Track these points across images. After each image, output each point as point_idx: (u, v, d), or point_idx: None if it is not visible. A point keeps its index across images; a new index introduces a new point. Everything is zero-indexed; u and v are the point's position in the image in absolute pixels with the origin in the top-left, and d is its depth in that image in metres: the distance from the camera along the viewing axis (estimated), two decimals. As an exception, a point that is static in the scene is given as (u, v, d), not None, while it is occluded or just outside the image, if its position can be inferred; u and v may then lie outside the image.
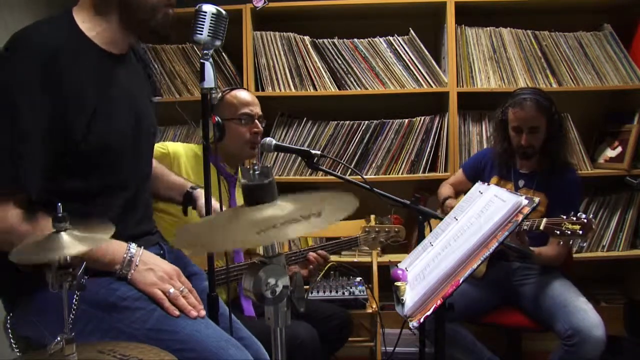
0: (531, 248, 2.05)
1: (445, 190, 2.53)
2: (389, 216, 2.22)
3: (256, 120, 1.99)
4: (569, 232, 1.81)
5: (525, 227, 1.97)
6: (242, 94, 1.99)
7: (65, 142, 1.16)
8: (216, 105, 1.90)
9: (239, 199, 2.04)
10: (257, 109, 2.00)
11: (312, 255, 2.01)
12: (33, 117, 1.12)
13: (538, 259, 2.09)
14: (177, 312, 1.21)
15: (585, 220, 1.80)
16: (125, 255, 1.23)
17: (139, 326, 1.19)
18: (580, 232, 1.78)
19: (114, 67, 1.28)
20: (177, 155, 1.90)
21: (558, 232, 1.84)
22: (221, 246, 0.90)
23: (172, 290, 1.23)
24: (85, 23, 1.24)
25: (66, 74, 1.15)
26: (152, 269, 1.24)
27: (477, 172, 2.42)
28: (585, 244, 1.85)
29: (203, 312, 1.25)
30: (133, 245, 1.25)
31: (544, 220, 1.88)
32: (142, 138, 1.36)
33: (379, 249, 2.22)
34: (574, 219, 1.83)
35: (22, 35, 1.16)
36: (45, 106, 1.12)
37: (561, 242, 1.93)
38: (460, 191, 2.55)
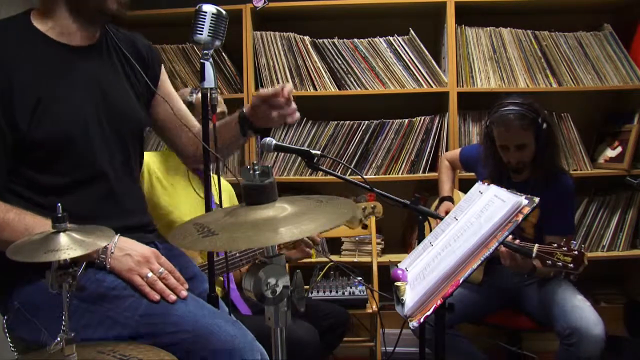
0: (534, 263, 2.01)
1: (445, 180, 2.50)
2: (363, 195, 2.24)
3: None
4: (561, 264, 1.77)
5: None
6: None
7: (13, 133, 1.18)
8: (192, 106, 1.92)
9: (216, 199, 2.05)
10: (224, 108, 2.08)
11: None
12: None
13: (541, 272, 2.04)
14: (157, 297, 1.20)
15: (577, 253, 1.74)
16: None
17: (131, 314, 1.18)
18: (571, 265, 1.75)
19: (72, 59, 1.28)
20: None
21: (549, 263, 1.79)
22: (224, 247, 0.90)
23: (149, 274, 1.22)
24: (40, 20, 1.26)
25: (9, 68, 1.18)
26: (128, 254, 1.23)
27: (469, 165, 2.42)
28: (576, 278, 1.80)
29: (184, 293, 1.24)
30: None
31: (536, 246, 1.82)
32: (113, 130, 1.34)
33: (360, 227, 2.25)
34: (566, 249, 1.77)
35: None
36: None
37: (552, 274, 1.89)
38: (455, 169, 2.56)
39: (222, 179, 2.14)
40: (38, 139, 1.20)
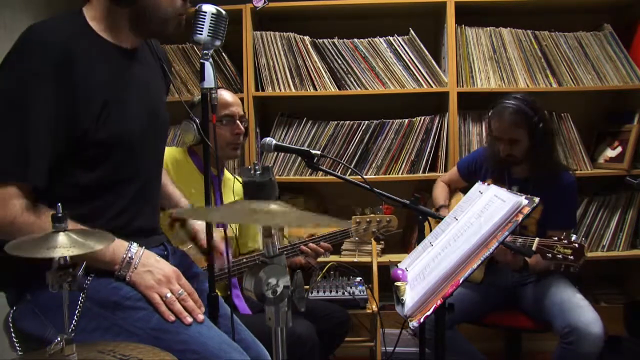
0: (527, 259, 2.02)
1: (439, 194, 2.52)
2: (380, 206, 2.22)
3: (237, 121, 1.99)
4: (561, 257, 1.78)
5: (518, 244, 1.95)
6: (223, 95, 1.98)
7: (74, 134, 1.17)
8: (197, 106, 1.91)
9: (225, 201, 2.04)
10: (238, 109, 2.01)
11: (304, 247, 1.99)
12: (42, 109, 1.13)
13: (534, 268, 2.07)
14: (172, 318, 1.20)
15: (577, 246, 1.76)
16: (124, 256, 1.22)
17: (142, 325, 1.19)
18: (572, 257, 1.76)
19: (125, 61, 1.29)
20: None
21: (549, 256, 1.81)
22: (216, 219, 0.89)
23: (168, 294, 1.22)
24: (94, 21, 1.25)
25: (76, 67, 1.16)
26: (150, 271, 1.23)
27: (471, 172, 2.41)
28: (577, 270, 1.82)
29: (201, 317, 1.24)
30: (134, 245, 1.25)
31: (537, 240, 1.85)
32: (153, 133, 1.36)
33: (372, 239, 2.21)
34: (566, 242, 1.79)
35: (33, 30, 1.18)
36: (54, 99, 1.14)
37: (552, 267, 1.90)
38: (454, 189, 2.55)
39: (236, 179, 2.13)
40: (97, 140, 1.20)
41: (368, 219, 2.16)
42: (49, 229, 1.13)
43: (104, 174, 1.24)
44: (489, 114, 2.21)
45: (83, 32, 1.22)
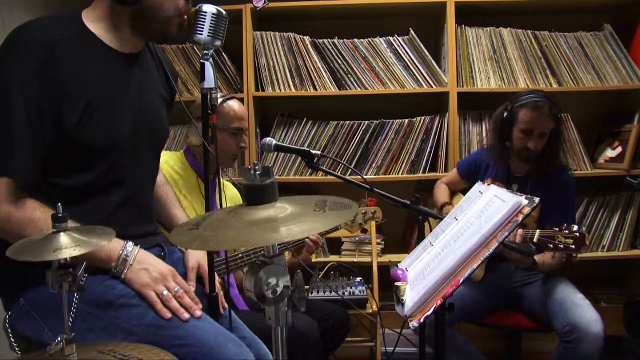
0: (535, 257, 2.03)
1: (441, 193, 2.52)
2: (364, 199, 2.28)
3: (243, 135, 2.03)
4: (562, 247, 1.79)
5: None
6: (237, 107, 2.00)
7: (57, 133, 1.17)
8: (199, 107, 1.91)
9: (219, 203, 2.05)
10: (246, 124, 2.05)
11: (307, 240, 2.06)
12: (25, 105, 1.13)
13: (542, 268, 2.07)
14: (168, 315, 1.20)
15: (578, 235, 1.77)
16: (120, 253, 1.22)
17: (138, 322, 1.19)
18: (573, 246, 1.77)
19: (120, 65, 1.29)
20: None
21: (551, 246, 1.81)
22: (222, 246, 0.90)
23: (165, 292, 1.22)
24: (94, 23, 1.25)
25: (62, 66, 1.16)
26: (146, 268, 1.23)
27: (470, 172, 2.42)
28: (577, 259, 1.83)
29: (198, 313, 1.24)
30: (130, 244, 1.25)
31: (537, 232, 1.86)
32: (146, 138, 1.35)
33: (359, 231, 2.36)
34: (567, 232, 1.80)
35: (23, 27, 1.18)
36: (37, 96, 1.14)
37: (561, 257, 1.90)
38: (455, 190, 2.55)
39: (229, 185, 2.14)
40: (80, 141, 1.19)
41: None
42: (36, 221, 1.14)
43: (92, 177, 1.24)
44: (510, 107, 2.18)
45: (76, 32, 1.22)
